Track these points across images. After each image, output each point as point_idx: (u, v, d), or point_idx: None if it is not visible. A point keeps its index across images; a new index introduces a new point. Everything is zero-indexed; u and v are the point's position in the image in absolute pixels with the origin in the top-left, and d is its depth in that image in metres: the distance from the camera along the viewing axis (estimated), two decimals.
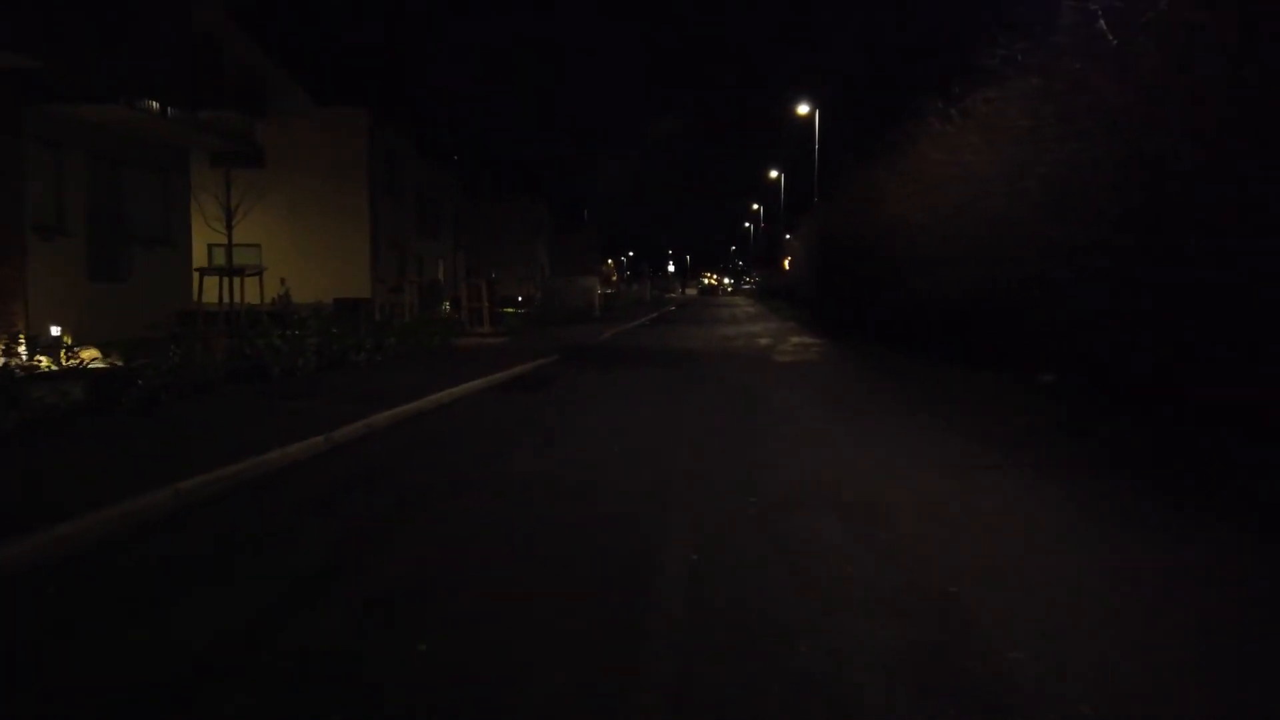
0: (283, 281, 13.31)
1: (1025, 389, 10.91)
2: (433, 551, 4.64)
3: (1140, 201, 7.79)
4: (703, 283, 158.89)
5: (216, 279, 16.11)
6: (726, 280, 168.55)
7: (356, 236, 27.96)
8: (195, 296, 17.62)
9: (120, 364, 10.86)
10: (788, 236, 59.73)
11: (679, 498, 5.65)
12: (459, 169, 49.52)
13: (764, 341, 22.12)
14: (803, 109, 38.00)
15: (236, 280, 16.72)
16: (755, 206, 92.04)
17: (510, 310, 37.14)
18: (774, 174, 64.70)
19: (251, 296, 29.06)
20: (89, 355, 12.37)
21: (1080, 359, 10.51)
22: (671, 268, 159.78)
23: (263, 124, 27.81)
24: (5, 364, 8.33)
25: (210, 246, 29.11)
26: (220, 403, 9.30)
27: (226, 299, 15.93)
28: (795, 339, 23.04)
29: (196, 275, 17.45)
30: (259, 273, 14.93)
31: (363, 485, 6.07)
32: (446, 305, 30.74)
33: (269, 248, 28.39)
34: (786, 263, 61.11)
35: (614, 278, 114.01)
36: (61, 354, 9.70)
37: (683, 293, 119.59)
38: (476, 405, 10.45)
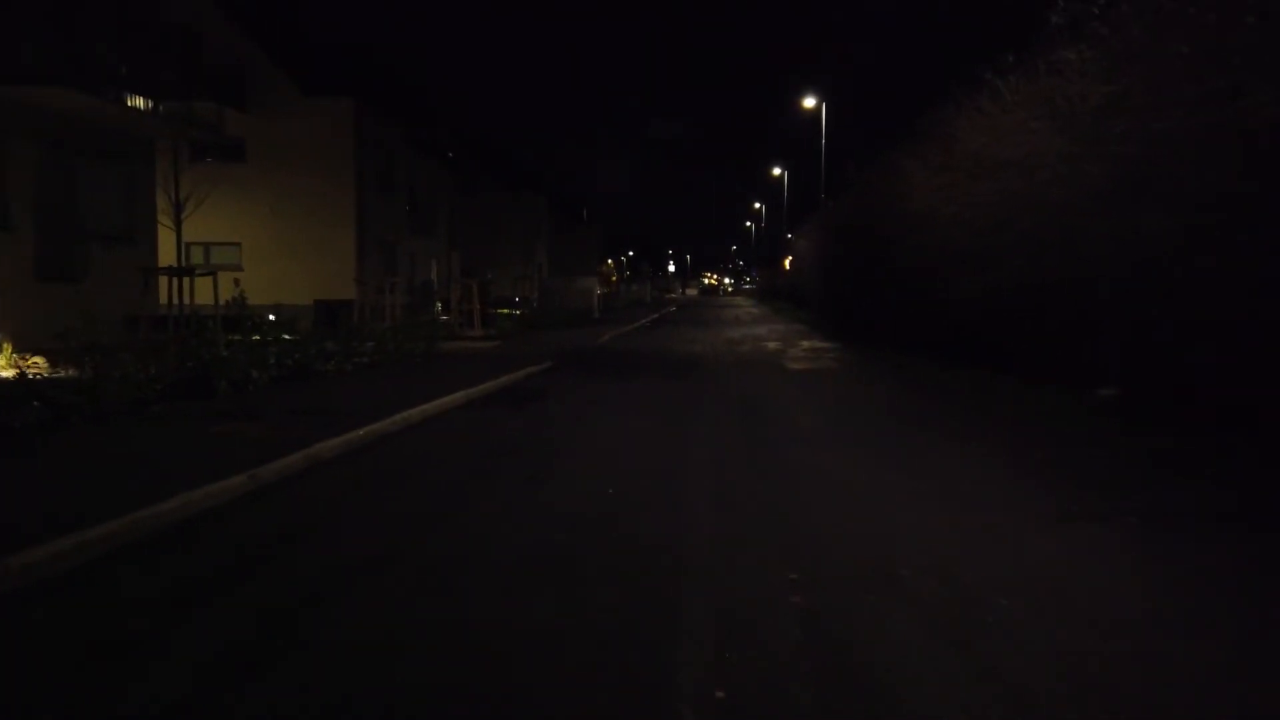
0: (236, 282, 11.87)
1: (1085, 406, 9.47)
2: (325, 690, 3.20)
3: (1254, 186, 6.37)
4: (703, 283, 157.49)
5: (205, 279, 14.66)
6: (727, 280, 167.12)
7: (342, 234, 26.55)
8: (165, 299, 16.17)
9: (42, 375, 9.44)
10: (789, 236, 58.28)
11: (695, 580, 4.20)
12: (456, 166, 48.13)
13: (772, 346, 20.68)
14: (809, 102, 36.57)
15: (207, 282, 15.29)
16: (757, 205, 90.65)
17: (505, 312, 35.76)
18: (777, 171, 63.26)
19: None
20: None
21: (1150, 371, 9.07)
22: (672, 268, 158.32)
23: (244, 115, 26.39)
24: None
25: (188, 245, 27.79)
26: (141, 427, 7.86)
27: (183, 301, 14.47)
28: (805, 343, 21.60)
29: (165, 276, 15.93)
30: (212, 273, 13.48)
31: (265, 561, 4.55)
32: (439, 307, 29.33)
33: (250, 246, 27.01)
34: (787, 263, 59.75)
35: (614, 278, 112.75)
36: None
37: (683, 293, 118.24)
38: (450, 427, 9.01)
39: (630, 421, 9.19)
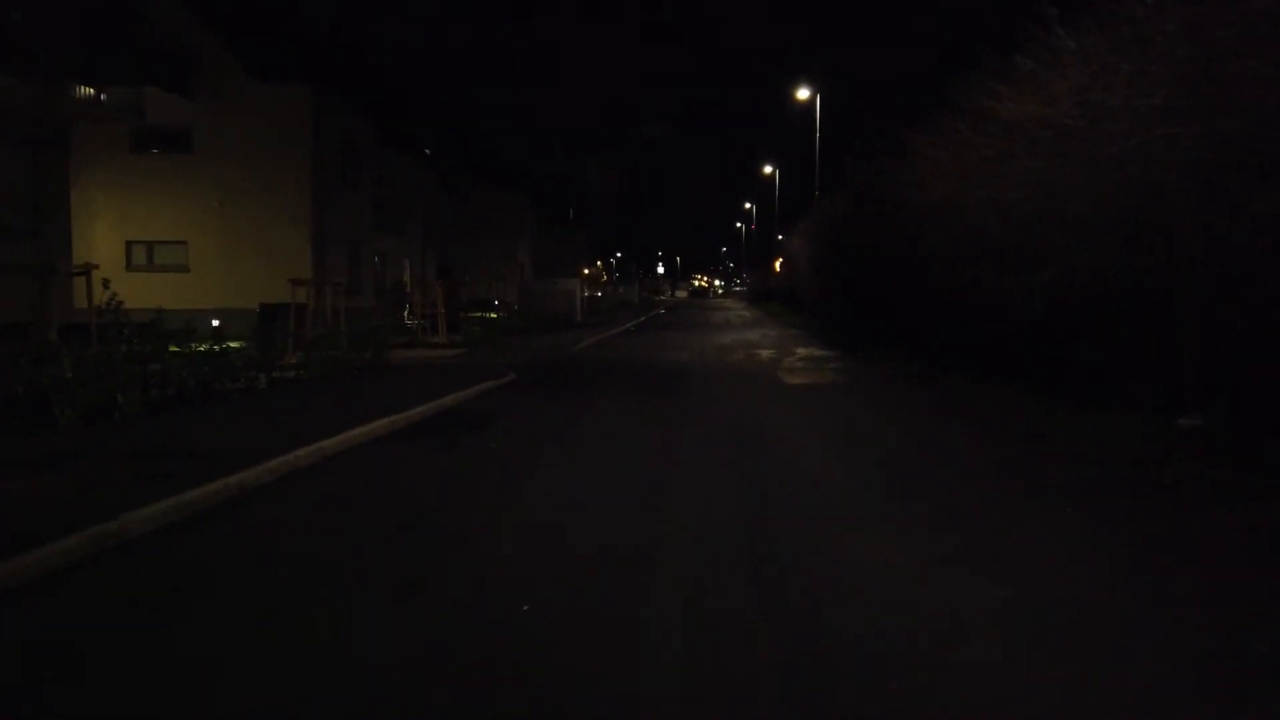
0: (106, 284, 9.70)
1: (1165, 440, 7.43)
2: None
3: None
4: (693, 285, 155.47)
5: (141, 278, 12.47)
6: (718, 282, 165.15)
7: (297, 231, 24.37)
8: (90, 301, 13.99)
9: None
10: (780, 238, 56.35)
11: None
12: (434, 162, 46.00)
13: (766, 354, 18.63)
14: (803, 93, 34.54)
15: (154, 281, 13.10)
16: (748, 205, 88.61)
17: (478, 316, 33.64)
18: (768, 169, 61.27)
19: (179, 301, 25.49)
20: None
21: (1246, 396, 7.08)
22: (661, 269, 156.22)
23: (190, 102, 24.19)
24: None
25: (129, 244, 25.59)
26: None
27: (93, 304, 12.28)
28: (802, 350, 19.57)
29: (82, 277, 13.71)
30: (86, 272, 11.30)
31: None
32: (408, 310, 27.09)
33: (197, 245, 24.81)
34: (777, 264, 57.89)
35: (603, 279, 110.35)
36: None
37: (672, 295, 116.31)
38: (345, 476, 6.90)
39: (587, 467, 7.11)
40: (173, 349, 10.08)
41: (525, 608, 3.77)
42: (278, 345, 13.95)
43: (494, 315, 39.52)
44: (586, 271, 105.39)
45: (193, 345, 11.04)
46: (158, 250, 25.09)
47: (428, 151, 46.28)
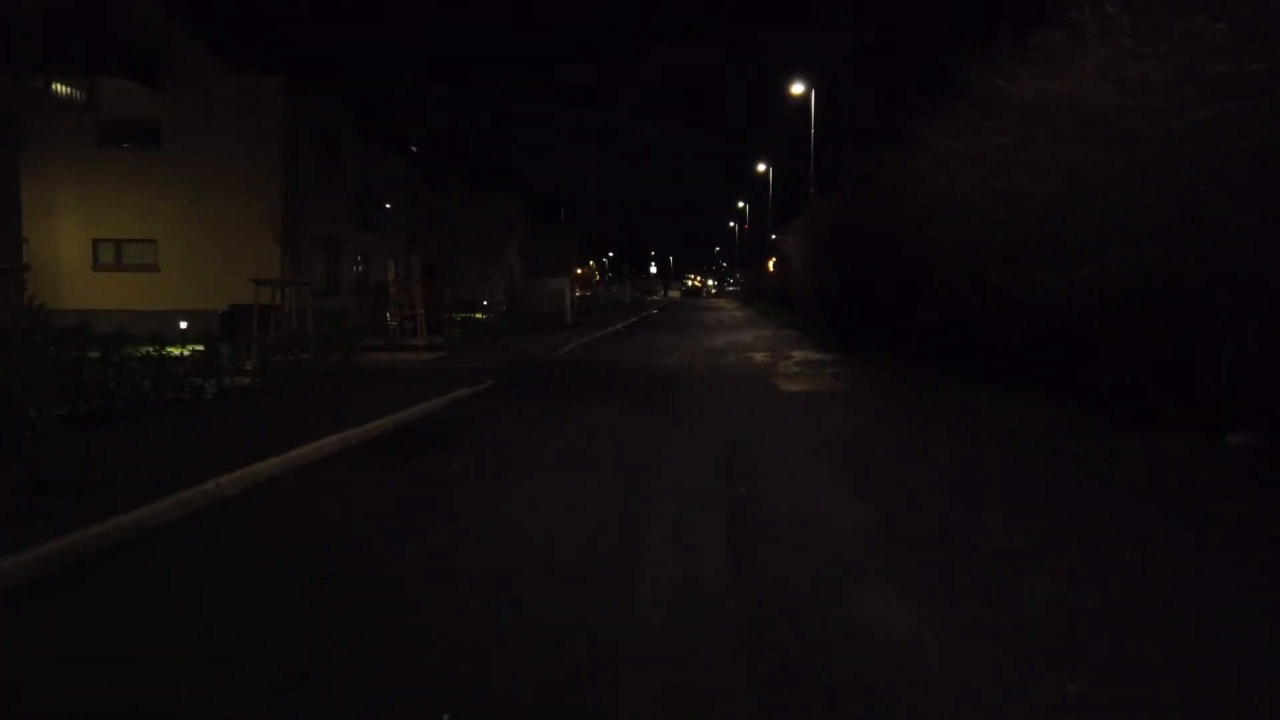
0: (24, 283, 8.72)
1: (1215, 462, 6.53)
2: None
3: None
4: (686, 284, 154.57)
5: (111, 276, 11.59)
6: (711, 282, 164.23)
7: (271, 228, 23.34)
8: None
9: None
10: (773, 238, 55.51)
11: None
12: (421, 159, 45.00)
13: (760, 357, 17.72)
14: (798, 88, 33.61)
15: (125, 282, 12.14)
16: (741, 204, 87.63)
17: (462, 316, 32.70)
18: (762, 168, 60.27)
19: (148, 302, 24.47)
20: None
21: None
22: (654, 269, 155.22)
23: (157, 94, 23.19)
24: None
25: (96, 242, 24.53)
26: None
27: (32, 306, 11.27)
28: (798, 353, 18.66)
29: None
30: (11, 273, 10.31)
31: None
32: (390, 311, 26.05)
33: (167, 243, 23.75)
34: (771, 264, 57.10)
35: (596, 279, 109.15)
36: None
37: (665, 295, 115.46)
38: (271, 509, 5.96)
39: (557, 498, 6.17)
40: (142, 352, 9.12)
41: (446, 718, 2.83)
42: (241, 350, 12.99)
43: (480, 316, 38.53)
44: (580, 271, 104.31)
45: (138, 350, 10.07)
46: (126, 249, 24.04)
47: (414, 149, 45.32)
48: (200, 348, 11.58)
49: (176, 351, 12.24)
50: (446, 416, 9.92)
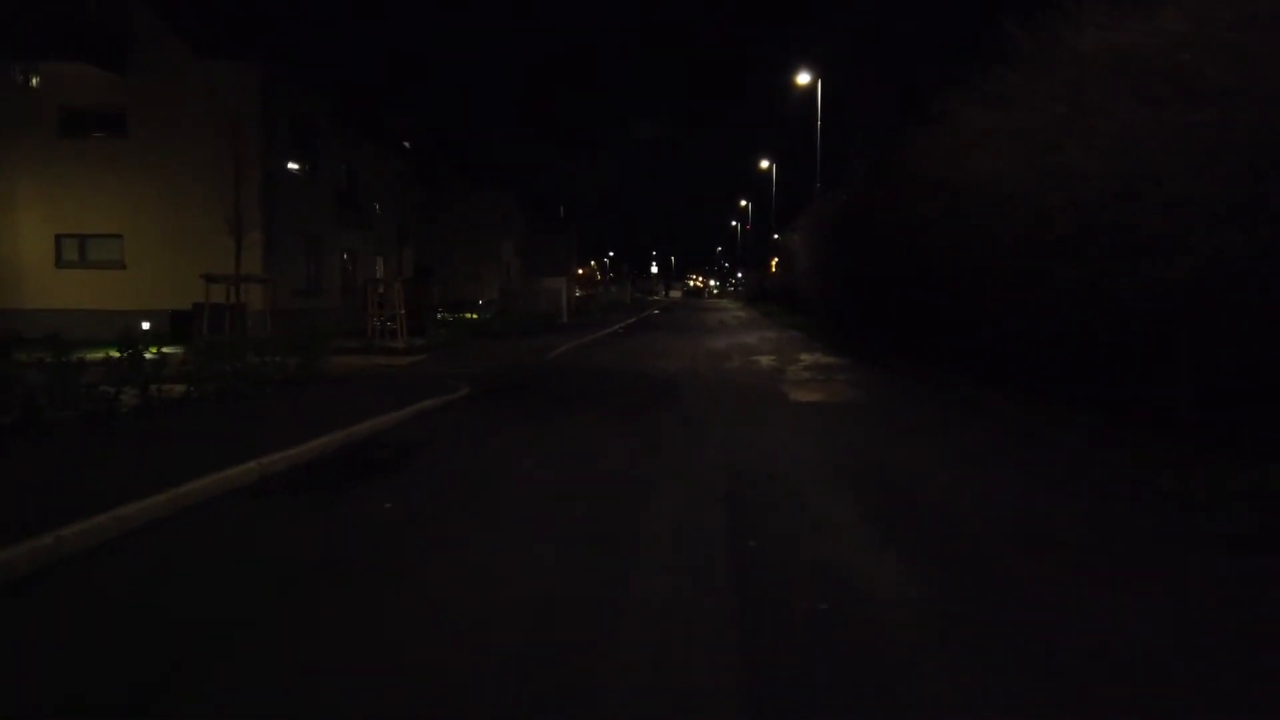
0: None
1: None
2: None
3: None
4: (688, 284, 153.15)
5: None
6: (713, 282, 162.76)
7: (244, 223, 21.89)
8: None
9: None
10: (775, 237, 54.16)
11: None
12: (413, 155, 43.63)
13: (766, 361, 16.29)
14: (803, 78, 32.13)
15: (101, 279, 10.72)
16: (743, 203, 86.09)
17: (453, 317, 31.32)
18: (765, 164, 58.78)
19: (115, 301, 23.06)
20: None
21: None
22: (655, 269, 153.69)
23: (123, 80, 21.82)
24: None
25: (59, 238, 23.10)
26: None
27: None
28: (806, 356, 17.23)
29: None
30: None
31: None
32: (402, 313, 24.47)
33: (134, 239, 22.37)
34: (774, 264, 55.83)
35: (597, 279, 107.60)
36: None
37: (666, 295, 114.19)
38: (123, 573, 4.55)
39: (513, 553, 4.74)
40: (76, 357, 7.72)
41: None
42: (130, 361, 11.53)
43: (473, 316, 37.11)
44: (581, 271, 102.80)
45: (72, 355, 8.67)
46: (91, 245, 22.64)
47: (406, 144, 43.92)
48: (149, 352, 10.20)
49: (149, 353, 10.83)
50: (405, 433, 8.50)
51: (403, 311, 18.88)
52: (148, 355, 9.24)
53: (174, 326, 13.99)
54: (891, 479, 6.32)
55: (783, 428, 8.75)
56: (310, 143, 25.19)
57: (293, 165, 24.01)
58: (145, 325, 19.25)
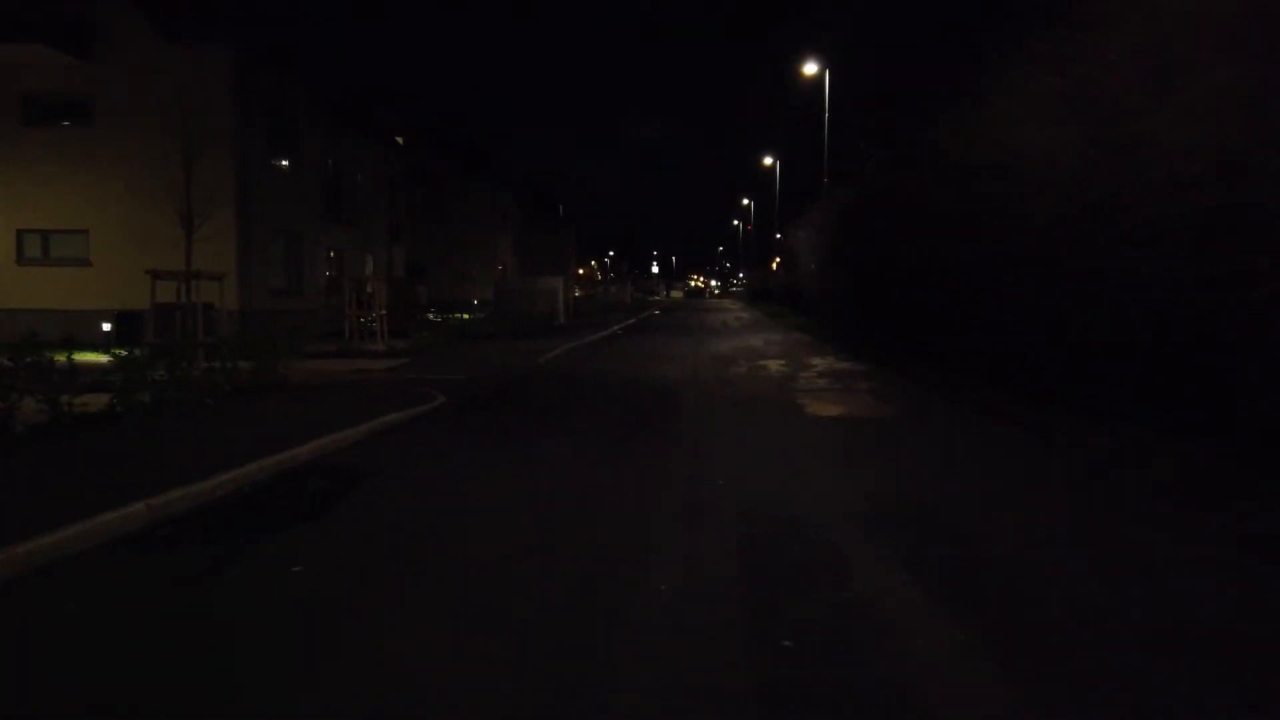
0: None
1: None
2: None
3: None
4: (690, 285, 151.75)
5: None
6: (714, 283, 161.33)
7: (217, 218, 20.54)
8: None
9: None
10: (779, 236, 52.90)
11: None
12: (407, 151, 42.38)
13: (776, 367, 14.94)
14: (810, 68, 30.74)
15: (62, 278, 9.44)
16: (745, 201, 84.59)
17: (443, 317, 30.04)
18: (768, 161, 57.35)
19: (80, 300, 21.71)
20: None
21: None
22: (656, 269, 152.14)
23: (89, 66, 20.50)
24: None
25: (21, 233, 21.77)
26: None
27: None
28: (818, 361, 15.88)
29: None
30: None
31: None
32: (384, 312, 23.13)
33: (100, 234, 21.03)
34: (775, 264, 54.68)
35: (599, 278, 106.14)
36: None
37: (667, 295, 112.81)
38: None
39: (461, 649, 3.40)
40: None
41: None
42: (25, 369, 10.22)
43: (466, 317, 35.77)
44: (582, 271, 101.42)
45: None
46: (54, 241, 21.31)
47: (400, 140, 42.58)
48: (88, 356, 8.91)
49: (94, 358, 9.54)
50: (355, 458, 7.16)
51: (384, 312, 17.54)
52: (58, 359, 7.92)
53: (119, 329, 12.63)
54: (951, 529, 4.97)
55: (802, 451, 7.40)
56: (291, 135, 23.83)
57: (271, 158, 22.64)
58: (106, 326, 17.94)
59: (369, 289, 17.74)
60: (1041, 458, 7.12)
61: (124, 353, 9.29)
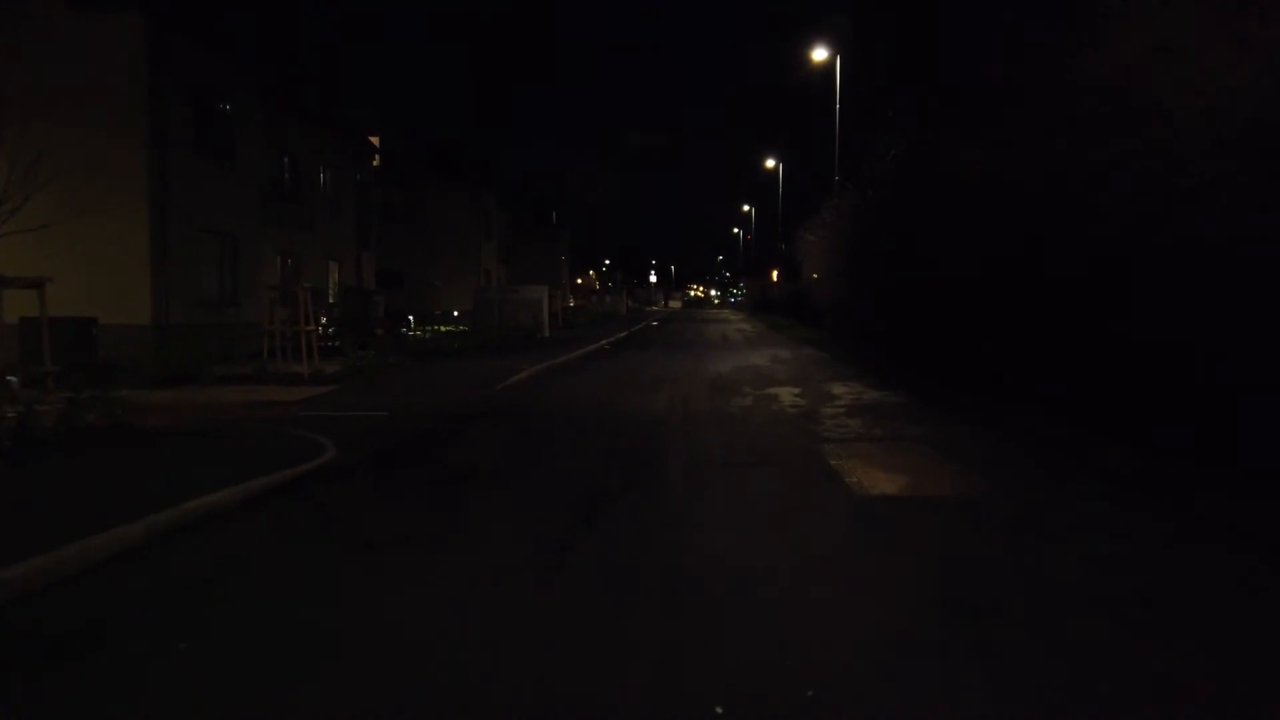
0: None
1: None
2: None
3: None
4: (689, 295, 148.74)
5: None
6: (714, 293, 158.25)
7: (130, 216, 17.46)
8: None
9: None
10: (782, 245, 49.84)
11: None
12: (380, 150, 39.37)
13: (788, 397, 11.80)
14: (820, 54, 27.64)
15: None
16: (746, 208, 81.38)
17: (416, 331, 26.96)
18: (770, 164, 54.18)
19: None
20: None
21: None
22: (654, 279, 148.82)
23: None
24: None
25: None
26: None
27: None
28: (839, 388, 12.76)
29: None
30: None
31: None
32: (322, 324, 20.04)
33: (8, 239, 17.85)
34: (774, 274, 52.05)
35: (596, 287, 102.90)
36: None
37: (666, 305, 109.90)
38: None
39: None
40: None
41: None
42: None
43: (443, 329, 32.66)
44: (580, 281, 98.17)
45: None
46: None
47: (374, 139, 39.57)
48: None
49: None
50: (92, 594, 4.04)
51: (310, 327, 14.40)
52: None
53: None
54: None
55: (849, 573, 4.30)
56: (221, 121, 20.64)
57: (199, 147, 19.52)
58: None
59: (300, 298, 14.64)
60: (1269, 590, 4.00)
61: None
